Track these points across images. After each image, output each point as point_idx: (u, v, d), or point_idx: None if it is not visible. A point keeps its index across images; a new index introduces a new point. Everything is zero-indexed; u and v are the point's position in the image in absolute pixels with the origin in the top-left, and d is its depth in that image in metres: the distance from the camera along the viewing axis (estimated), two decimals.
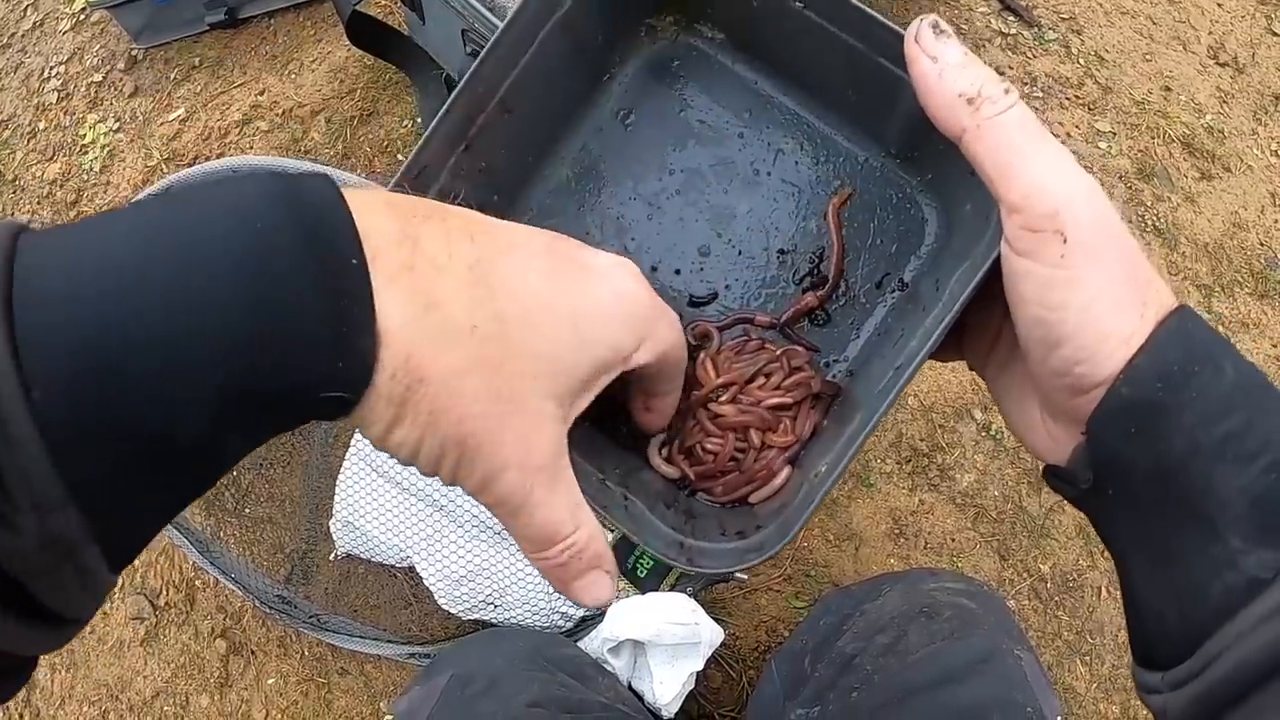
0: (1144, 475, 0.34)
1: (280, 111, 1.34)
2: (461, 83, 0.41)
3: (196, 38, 1.42)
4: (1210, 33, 1.39)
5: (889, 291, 0.47)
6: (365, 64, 1.34)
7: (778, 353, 0.46)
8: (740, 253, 0.48)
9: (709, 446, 0.45)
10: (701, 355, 0.46)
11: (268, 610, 1.02)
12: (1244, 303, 1.26)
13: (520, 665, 0.83)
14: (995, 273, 0.36)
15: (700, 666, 0.92)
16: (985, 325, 0.42)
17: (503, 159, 0.46)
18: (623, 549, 1.03)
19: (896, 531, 1.12)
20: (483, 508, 1.09)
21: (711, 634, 0.93)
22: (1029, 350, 0.36)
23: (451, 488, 1.02)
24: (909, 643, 0.75)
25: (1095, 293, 0.33)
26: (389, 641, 1.05)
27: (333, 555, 1.11)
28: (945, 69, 0.34)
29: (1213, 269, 1.27)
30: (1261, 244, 1.28)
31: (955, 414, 1.15)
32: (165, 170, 1.32)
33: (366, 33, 1.22)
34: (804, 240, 0.48)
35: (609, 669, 0.95)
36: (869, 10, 0.40)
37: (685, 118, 0.49)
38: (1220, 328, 1.24)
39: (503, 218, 0.47)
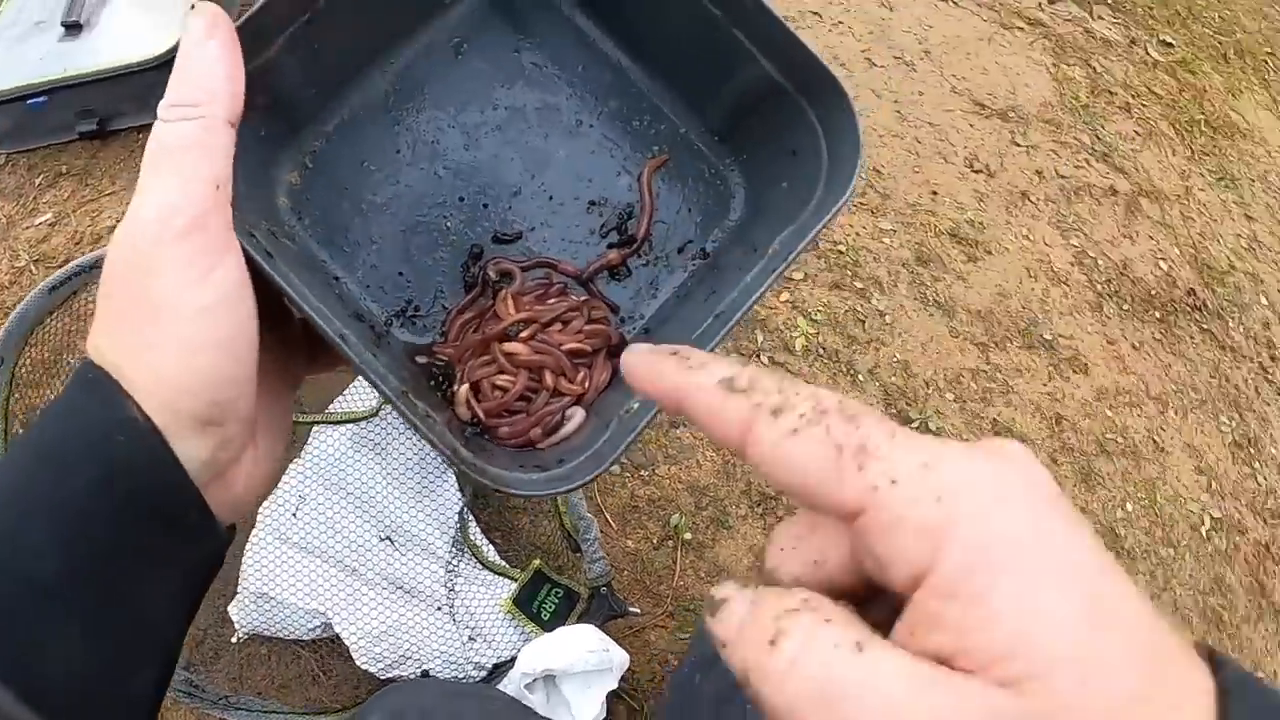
0: None
1: None
2: None
3: (62, 146, 1.44)
4: (965, 147, 1.75)
5: (690, 258, 0.48)
6: None
7: (578, 301, 0.47)
8: (551, 198, 0.48)
9: (499, 383, 0.44)
10: (503, 291, 0.46)
11: (177, 696, 1.01)
12: (1015, 354, 1.56)
13: (450, 699, 0.89)
14: None
15: (614, 685, 1.01)
16: None
17: (334, 52, 0.44)
18: (526, 593, 1.12)
19: (758, 566, 1.27)
20: (393, 566, 1.16)
21: (621, 660, 1.03)
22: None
23: (361, 550, 1.07)
24: None
25: None
26: (302, 713, 1.06)
27: (234, 638, 1.11)
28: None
29: (987, 330, 1.57)
30: (1023, 308, 1.61)
31: None
32: (35, 272, 1.32)
33: None
34: (615, 197, 0.49)
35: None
36: None
37: (519, 58, 0.49)
38: (998, 375, 1.53)
39: (314, 114, 0.46)
